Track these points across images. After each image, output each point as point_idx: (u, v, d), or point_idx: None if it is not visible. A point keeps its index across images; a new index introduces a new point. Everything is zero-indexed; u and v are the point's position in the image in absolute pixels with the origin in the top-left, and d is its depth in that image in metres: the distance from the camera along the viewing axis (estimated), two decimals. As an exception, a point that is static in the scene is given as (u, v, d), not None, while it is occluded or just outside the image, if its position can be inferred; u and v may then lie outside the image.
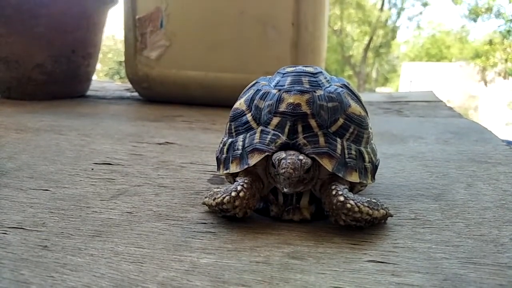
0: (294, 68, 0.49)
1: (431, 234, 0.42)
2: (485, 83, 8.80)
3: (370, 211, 0.41)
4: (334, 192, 0.41)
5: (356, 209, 0.40)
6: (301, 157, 0.41)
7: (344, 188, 0.42)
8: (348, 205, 0.40)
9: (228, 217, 0.44)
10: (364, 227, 0.42)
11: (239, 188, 0.42)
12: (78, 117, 1.06)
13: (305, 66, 0.50)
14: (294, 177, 0.40)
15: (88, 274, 0.34)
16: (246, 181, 0.43)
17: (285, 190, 0.41)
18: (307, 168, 0.41)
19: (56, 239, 0.40)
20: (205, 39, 1.21)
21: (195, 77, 1.23)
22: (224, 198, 0.43)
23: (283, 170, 0.40)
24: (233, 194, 0.42)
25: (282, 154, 0.41)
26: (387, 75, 13.14)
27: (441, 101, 1.45)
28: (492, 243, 0.40)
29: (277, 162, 0.41)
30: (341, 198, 0.40)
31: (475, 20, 9.60)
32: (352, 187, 0.46)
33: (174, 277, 0.34)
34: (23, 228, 0.43)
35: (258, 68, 1.10)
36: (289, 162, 0.40)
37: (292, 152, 0.42)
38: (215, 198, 0.44)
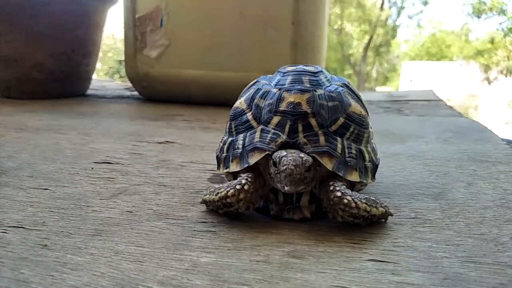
0: (295, 67, 0.49)
1: (431, 233, 0.42)
2: (489, 82, 8.77)
3: (368, 208, 0.41)
4: (331, 188, 0.41)
5: (353, 204, 0.40)
6: (302, 155, 0.41)
7: (342, 185, 0.42)
8: (345, 201, 0.40)
9: (229, 215, 0.44)
10: (363, 224, 0.42)
11: (243, 181, 0.42)
12: (78, 116, 1.06)
13: (306, 65, 0.50)
14: (295, 174, 0.40)
15: (88, 273, 0.34)
16: (250, 175, 0.43)
17: (286, 189, 0.40)
18: (308, 165, 0.41)
19: (56, 238, 0.40)
20: (205, 38, 1.21)
21: (195, 76, 1.23)
22: (228, 191, 0.43)
23: (284, 167, 0.40)
24: (238, 187, 0.42)
25: (283, 153, 0.41)
26: (387, 74, 13.12)
27: (441, 100, 1.45)
28: (492, 242, 0.40)
29: (278, 159, 0.41)
30: (338, 194, 0.40)
31: (478, 17, 9.53)
32: (352, 187, 0.46)
33: (174, 276, 0.34)
34: (23, 227, 0.43)
35: (258, 67, 1.10)
36: (290, 159, 0.40)
37: (292, 151, 0.42)
38: (218, 193, 0.44)
